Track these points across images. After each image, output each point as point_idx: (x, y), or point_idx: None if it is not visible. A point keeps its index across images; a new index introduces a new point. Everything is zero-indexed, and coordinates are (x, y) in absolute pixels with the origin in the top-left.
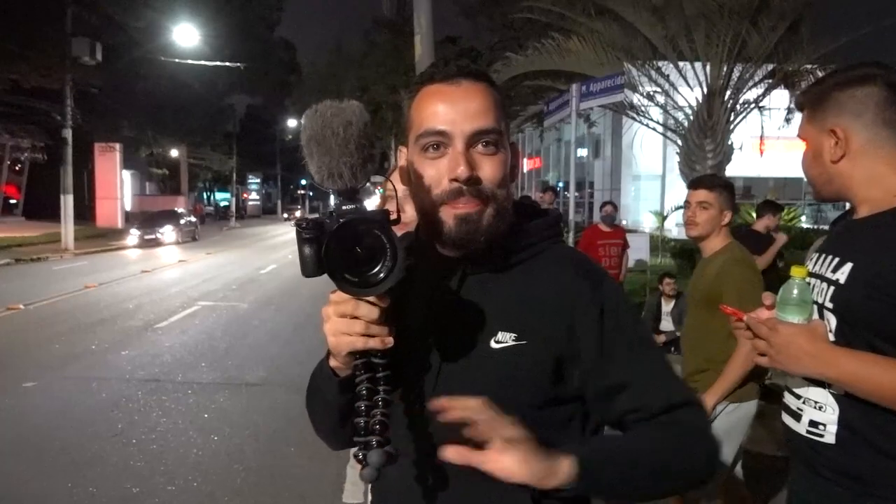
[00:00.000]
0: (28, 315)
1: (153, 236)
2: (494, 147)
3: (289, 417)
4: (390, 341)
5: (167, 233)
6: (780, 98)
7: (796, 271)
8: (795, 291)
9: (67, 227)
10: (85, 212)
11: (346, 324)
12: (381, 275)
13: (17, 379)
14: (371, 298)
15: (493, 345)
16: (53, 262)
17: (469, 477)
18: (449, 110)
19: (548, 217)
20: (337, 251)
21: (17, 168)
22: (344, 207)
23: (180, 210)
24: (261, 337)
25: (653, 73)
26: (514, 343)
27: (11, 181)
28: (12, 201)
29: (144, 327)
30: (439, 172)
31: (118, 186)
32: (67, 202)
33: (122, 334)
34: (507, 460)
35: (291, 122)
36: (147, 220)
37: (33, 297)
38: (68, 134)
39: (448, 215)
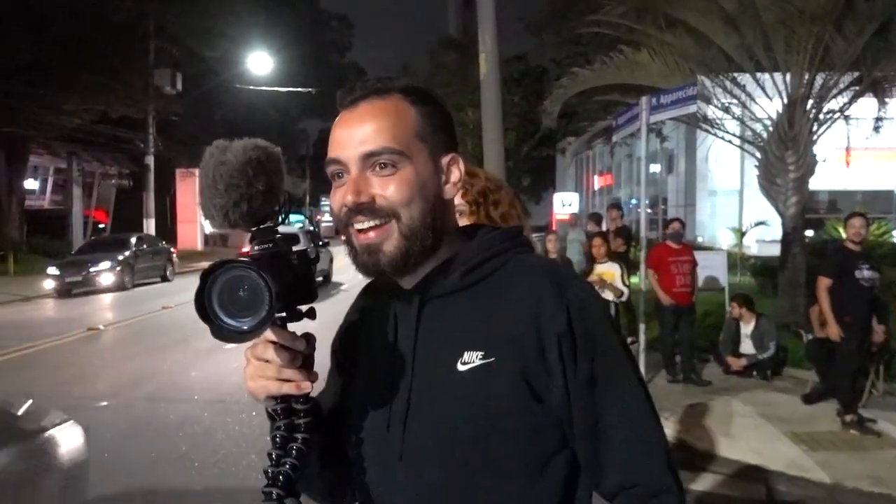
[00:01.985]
0: (107, 335)
1: (78, 278)
2: (392, 167)
3: None
4: (306, 386)
5: (103, 274)
6: (867, 107)
7: None
8: None
9: None
10: (167, 235)
11: (261, 367)
12: (257, 320)
13: (92, 398)
14: (285, 343)
15: (460, 367)
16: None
17: None
18: (343, 137)
19: (507, 229)
20: (210, 296)
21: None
22: (256, 247)
23: (134, 238)
24: (327, 360)
25: (728, 83)
26: (481, 362)
27: (100, 206)
28: (101, 225)
29: (214, 348)
30: (336, 199)
31: (198, 210)
32: (150, 226)
33: (192, 355)
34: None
35: None
36: (82, 252)
37: (113, 318)
38: (150, 161)
39: (355, 242)
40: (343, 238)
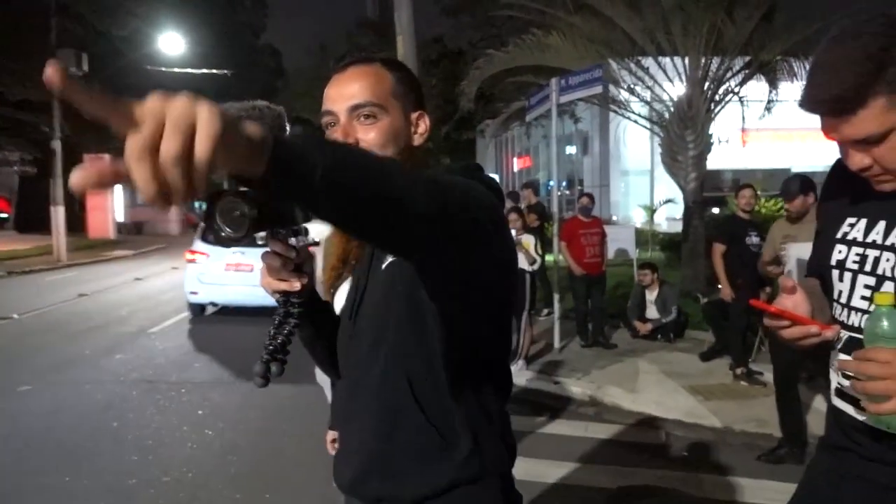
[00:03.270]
0: (22, 324)
1: None
2: (373, 118)
3: (282, 411)
4: (296, 286)
5: None
6: (763, 89)
7: (881, 298)
8: (886, 322)
9: (59, 239)
10: (77, 223)
11: (266, 269)
12: (242, 231)
13: (11, 384)
14: (280, 252)
15: (382, 266)
16: (46, 274)
17: (365, 389)
18: (335, 93)
19: (451, 167)
20: (212, 211)
21: (6, 182)
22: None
23: None
24: (253, 338)
25: (633, 66)
26: (391, 259)
27: (2, 196)
28: (3, 215)
29: (138, 332)
30: None
31: (109, 197)
32: (58, 214)
33: (115, 340)
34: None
35: None
36: None
37: (27, 308)
38: (57, 146)
39: None
40: None
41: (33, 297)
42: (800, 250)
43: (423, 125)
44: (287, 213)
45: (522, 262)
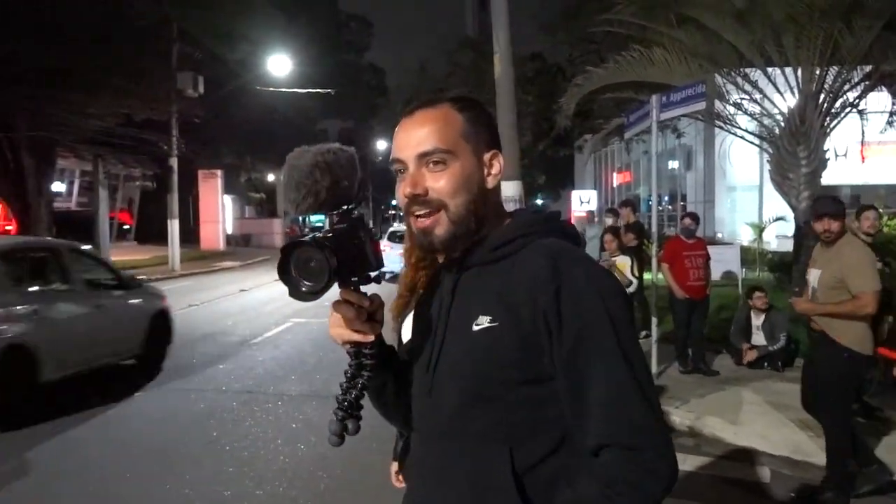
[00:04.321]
0: None
1: None
2: (442, 164)
3: (372, 427)
4: (369, 337)
5: None
6: (882, 101)
7: None
8: None
9: (173, 250)
10: (190, 235)
11: (337, 319)
12: (321, 284)
13: (129, 389)
14: (353, 301)
15: (474, 328)
16: (161, 283)
17: (454, 450)
18: (402, 140)
19: (530, 214)
20: (289, 265)
21: (129, 196)
22: (330, 227)
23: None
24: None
25: (739, 80)
26: (488, 325)
27: (124, 208)
28: (126, 227)
29: (241, 343)
30: (399, 192)
31: (220, 211)
32: (173, 226)
33: (220, 349)
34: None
35: (381, 144)
36: None
37: None
38: (174, 162)
39: (414, 226)
40: (405, 224)
41: None
42: (814, 277)
43: (497, 165)
44: (363, 259)
45: None
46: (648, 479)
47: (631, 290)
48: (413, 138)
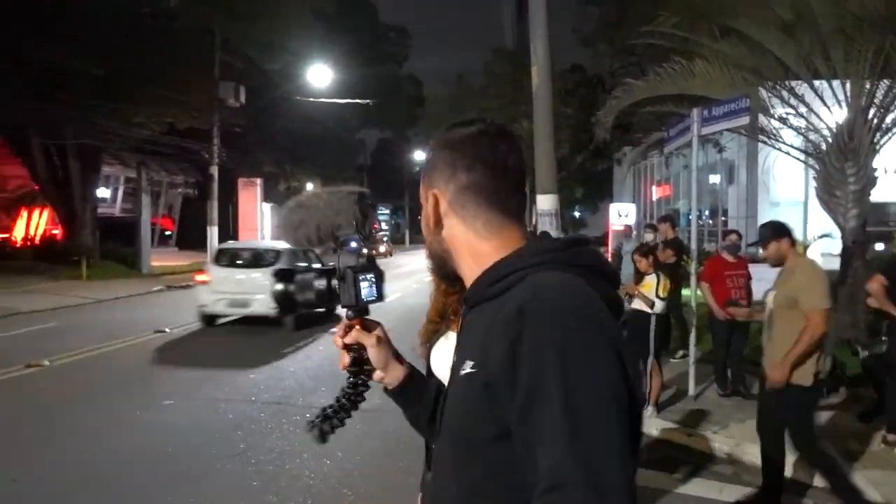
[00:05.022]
0: (173, 338)
1: None
2: (425, 200)
3: (399, 444)
4: (346, 363)
5: None
6: None
7: None
8: None
9: (212, 256)
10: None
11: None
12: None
13: (157, 397)
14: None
15: (461, 372)
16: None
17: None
18: None
19: (536, 243)
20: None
21: (171, 203)
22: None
23: None
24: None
25: (785, 93)
26: (470, 370)
27: (166, 214)
28: (167, 233)
29: (272, 352)
30: None
31: (259, 218)
32: (213, 233)
33: (251, 358)
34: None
35: (418, 154)
36: None
37: (179, 322)
38: (215, 171)
39: None
40: None
41: (186, 311)
42: (770, 298)
43: (429, 205)
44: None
45: (642, 305)
46: None
47: (657, 310)
48: None
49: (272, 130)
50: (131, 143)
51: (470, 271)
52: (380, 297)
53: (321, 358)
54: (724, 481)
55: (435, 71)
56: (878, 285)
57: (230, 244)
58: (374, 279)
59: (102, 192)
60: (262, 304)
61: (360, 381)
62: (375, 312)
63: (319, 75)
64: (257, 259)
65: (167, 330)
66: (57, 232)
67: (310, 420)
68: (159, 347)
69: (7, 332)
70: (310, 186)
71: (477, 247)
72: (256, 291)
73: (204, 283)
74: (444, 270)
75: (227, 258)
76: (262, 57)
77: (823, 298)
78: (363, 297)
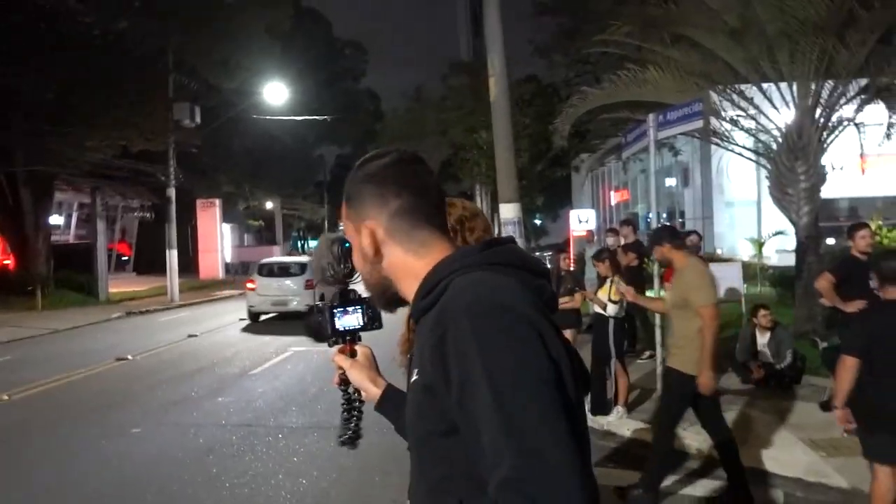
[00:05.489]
0: (136, 365)
1: None
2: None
3: (373, 458)
4: (335, 381)
5: None
6: (879, 113)
7: None
8: None
9: (172, 281)
10: (189, 265)
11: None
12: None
13: (124, 426)
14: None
15: (412, 380)
16: (160, 314)
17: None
18: None
19: (456, 253)
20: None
21: (127, 227)
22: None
23: None
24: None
25: (735, 96)
26: (416, 377)
27: (123, 239)
28: (124, 258)
29: (240, 374)
30: None
31: (219, 239)
32: (172, 257)
33: (219, 381)
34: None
35: None
36: None
37: (141, 348)
38: (172, 193)
39: None
40: None
41: (147, 337)
42: (668, 298)
43: (364, 237)
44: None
45: (599, 309)
46: None
47: (610, 313)
48: None
49: (230, 150)
50: (84, 168)
51: (411, 290)
52: (371, 321)
53: (289, 377)
54: (697, 476)
55: (394, 86)
56: (825, 283)
57: (269, 259)
58: (358, 309)
59: (56, 220)
60: (297, 304)
61: (351, 396)
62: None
63: (276, 93)
64: (290, 271)
65: (129, 357)
66: (9, 262)
67: (340, 438)
68: (122, 375)
69: None
70: (269, 205)
71: (415, 267)
72: (293, 295)
73: (252, 289)
74: (386, 297)
75: (267, 270)
76: (218, 76)
77: (711, 295)
78: (339, 327)
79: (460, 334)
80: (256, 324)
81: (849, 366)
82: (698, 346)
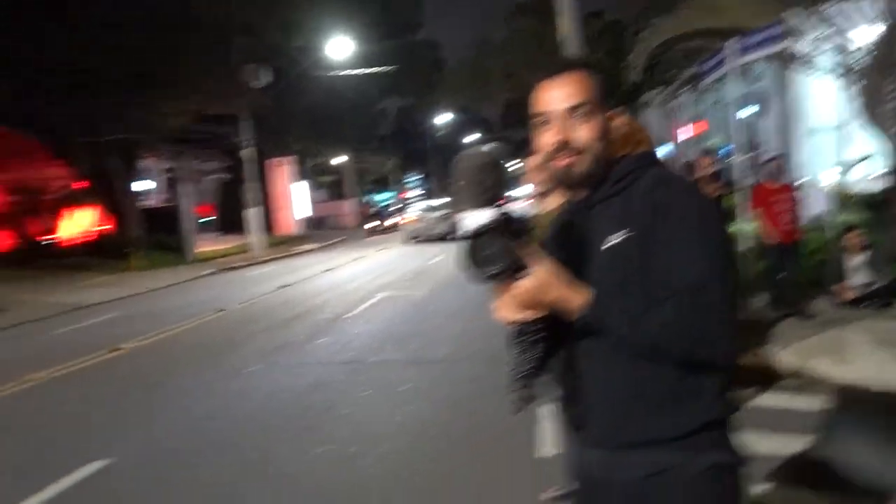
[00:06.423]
0: (235, 315)
1: None
2: (587, 116)
3: (474, 386)
4: (529, 316)
5: None
6: None
7: None
8: None
9: (254, 238)
10: (265, 222)
11: (502, 302)
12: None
13: (239, 366)
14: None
15: (602, 248)
16: (247, 270)
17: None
18: (549, 96)
19: (641, 154)
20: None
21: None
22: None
23: None
24: (439, 320)
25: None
26: (617, 240)
27: (205, 201)
28: (207, 219)
29: (335, 318)
30: (546, 139)
31: (292, 197)
32: (252, 215)
33: (316, 326)
34: (536, 273)
35: (440, 119)
36: None
37: (237, 300)
38: (248, 153)
39: (557, 167)
40: (544, 170)
41: (241, 291)
42: None
43: (615, 123)
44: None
45: None
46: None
47: None
48: (561, 94)
49: (296, 109)
50: (165, 135)
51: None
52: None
53: (381, 320)
54: (793, 392)
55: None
56: None
57: (429, 202)
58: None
59: (142, 185)
60: (442, 233)
61: (529, 332)
62: (423, 275)
63: (338, 48)
64: (436, 208)
65: (227, 309)
66: (109, 227)
67: (513, 400)
68: (224, 325)
69: (78, 324)
70: (337, 160)
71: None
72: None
73: (414, 221)
74: (589, 178)
75: (426, 208)
76: (280, 37)
77: None
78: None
79: (681, 193)
80: (341, 273)
81: None
82: None
